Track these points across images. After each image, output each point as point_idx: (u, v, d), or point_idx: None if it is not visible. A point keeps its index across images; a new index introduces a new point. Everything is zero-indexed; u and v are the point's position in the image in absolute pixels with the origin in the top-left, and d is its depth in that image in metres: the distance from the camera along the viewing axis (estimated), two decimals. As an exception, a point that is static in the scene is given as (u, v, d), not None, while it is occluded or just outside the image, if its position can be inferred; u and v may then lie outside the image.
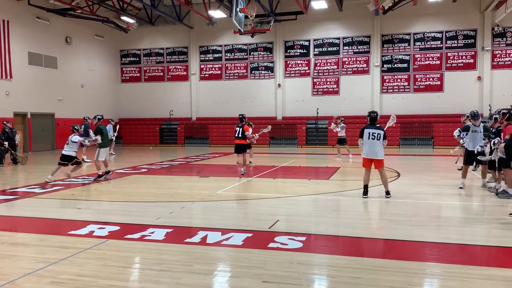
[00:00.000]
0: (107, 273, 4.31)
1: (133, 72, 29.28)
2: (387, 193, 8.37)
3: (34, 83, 22.04)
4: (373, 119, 8.31)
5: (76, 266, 4.53)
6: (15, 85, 20.84)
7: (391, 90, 24.97)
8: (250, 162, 14.29)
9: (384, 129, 8.33)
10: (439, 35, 24.13)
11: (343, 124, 17.74)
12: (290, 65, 26.38)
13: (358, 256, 4.85)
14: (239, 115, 12.12)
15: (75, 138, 11.22)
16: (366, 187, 8.39)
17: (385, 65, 24.99)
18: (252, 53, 27.02)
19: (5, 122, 14.88)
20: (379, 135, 8.12)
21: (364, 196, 8.31)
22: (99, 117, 11.61)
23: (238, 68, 27.27)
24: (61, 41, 24.08)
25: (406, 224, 6.40)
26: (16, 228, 6.49)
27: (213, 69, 27.76)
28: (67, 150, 11.19)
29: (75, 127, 11.56)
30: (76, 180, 11.22)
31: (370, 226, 6.57)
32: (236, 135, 11.66)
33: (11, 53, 20.60)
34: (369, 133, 8.14)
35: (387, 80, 25.00)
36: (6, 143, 14.80)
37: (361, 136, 8.28)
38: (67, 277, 4.20)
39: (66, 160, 11.15)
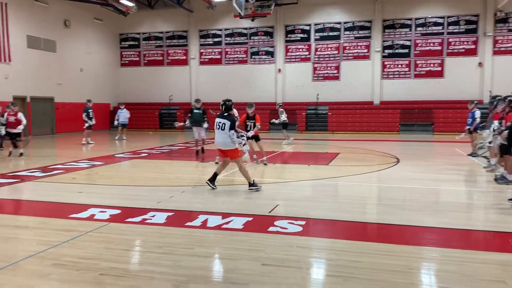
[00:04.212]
0: (109, 256, 4.36)
1: (132, 56, 29.10)
2: (250, 184, 7.64)
3: (33, 66, 21.92)
4: (228, 108, 7.70)
5: (78, 248, 4.58)
6: (14, 69, 20.74)
7: (392, 76, 24.87)
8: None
9: (236, 119, 7.96)
10: (440, 20, 23.93)
11: (281, 110, 17.48)
12: (290, 50, 26.22)
13: (357, 240, 4.90)
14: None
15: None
16: (215, 175, 7.83)
17: (386, 51, 24.84)
18: (252, 38, 26.83)
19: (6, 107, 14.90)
20: (223, 124, 7.56)
21: (207, 183, 7.76)
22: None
23: (238, 52, 27.10)
24: (60, 24, 23.88)
25: (405, 209, 6.44)
26: (18, 211, 6.55)
27: (213, 53, 27.58)
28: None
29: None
30: (76, 164, 11.25)
31: (369, 211, 6.62)
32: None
33: (10, 36, 20.44)
34: (216, 122, 7.68)
35: (387, 66, 24.88)
36: (3, 127, 14.78)
37: None
38: (69, 259, 4.24)
39: None
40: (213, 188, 7.71)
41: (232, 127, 7.57)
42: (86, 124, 17.08)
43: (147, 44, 28.76)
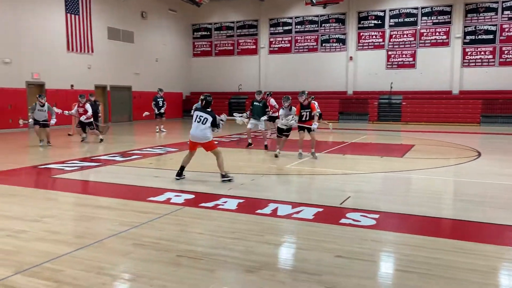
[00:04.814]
0: (184, 238, 4.53)
1: (204, 46, 29.79)
2: (223, 176, 7.54)
3: (112, 57, 23.22)
4: (208, 103, 7.68)
5: (156, 230, 4.80)
6: (96, 59, 22.11)
7: (473, 64, 23.27)
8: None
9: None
10: (532, 3, 21.92)
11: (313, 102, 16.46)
12: (363, 37, 25.41)
13: (434, 236, 4.65)
14: None
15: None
16: (182, 168, 7.81)
17: (467, 37, 23.27)
18: (323, 25, 26.34)
19: (89, 95, 16.09)
20: (206, 119, 7.53)
21: (177, 178, 7.66)
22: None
23: (308, 40, 26.77)
24: (137, 16, 25.02)
25: (485, 206, 6.04)
26: (100, 192, 6.98)
27: (283, 42, 27.48)
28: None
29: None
30: (152, 150, 11.79)
31: (446, 206, 6.28)
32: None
33: (92, 28, 21.79)
34: (197, 115, 7.60)
35: (469, 53, 23.31)
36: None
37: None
38: (148, 240, 4.46)
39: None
40: (181, 178, 7.68)
41: (213, 124, 7.56)
42: (146, 113, 17.37)
43: (218, 34, 29.28)
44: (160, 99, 17.72)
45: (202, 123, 7.57)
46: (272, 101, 14.18)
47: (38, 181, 8.00)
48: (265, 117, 12.12)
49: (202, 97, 7.79)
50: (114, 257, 4.00)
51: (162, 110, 17.62)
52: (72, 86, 20.77)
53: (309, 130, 10.24)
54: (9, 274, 3.58)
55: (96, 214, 5.52)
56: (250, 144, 12.33)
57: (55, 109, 13.61)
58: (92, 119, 13.71)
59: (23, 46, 18.51)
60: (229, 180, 7.46)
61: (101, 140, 13.66)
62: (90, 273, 3.61)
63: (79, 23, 21.05)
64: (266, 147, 12.04)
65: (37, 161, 9.88)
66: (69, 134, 16.01)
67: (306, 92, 10.43)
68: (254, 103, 12.21)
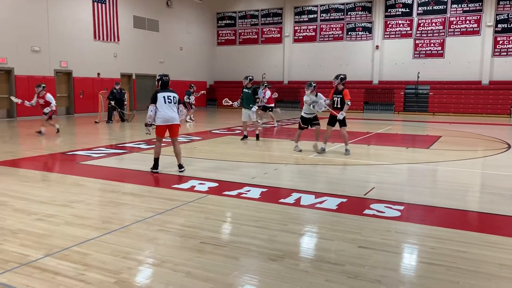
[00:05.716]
0: (208, 226, 4.58)
1: (229, 35, 29.75)
2: (180, 166, 7.38)
3: (138, 45, 23.46)
4: (166, 83, 7.36)
5: (180, 217, 4.87)
6: (121, 48, 22.39)
7: (505, 53, 22.53)
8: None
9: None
10: None
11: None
12: (390, 25, 24.90)
13: (461, 229, 4.57)
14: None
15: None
16: (157, 161, 7.45)
17: (499, 25, 22.50)
18: (349, 13, 25.92)
19: (115, 83, 16.47)
20: (175, 98, 7.31)
21: (153, 171, 7.36)
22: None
23: (334, 29, 26.40)
24: (162, 4, 25.15)
25: (516, 200, 5.88)
26: (126, 179, 7.10)
27: (308, 30, 27.19)
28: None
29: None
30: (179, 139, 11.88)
31: (473, 199, 6.14)
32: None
33: (118, 17, 22.03)
34: (164, 97, 7.18)
35: (500, 42, 22.56)
36: (112, 102, 16.26)
37: (154, 101, 7.15)
38: (173, 226, 4.53)
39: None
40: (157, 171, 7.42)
41: (180, 101, 7.44)
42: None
43: (242, 22, 29.18)
44: (191, 95, 17.88)
45: (174, 102, 7.35)
46: (268, 93, 14.41)
47: (66, 167, 8.20)
48: (255, 107, 11.51)
49: (158, 77, 7.44)
50: (139, 243, 4.08)
51: (192, 101, 17.69)
52: (98, 74, 21.11)
53: (341, 124, 9.35)
54: (40, 256, 3.71)
55: (122, 200, 5.63)
56: (245, 137, 11.63)
57: (14, 99, 12.79)
58: (54, 109, 12.59)
59: (51, 34, 18.88)
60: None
61: (58, 130, 12.72)
62: (117, 257, 3.69)
63: (106, 12, 21.31)
64: (257, 137, 11.62)
65: (65, 148, 10.12)
66: (95, 122, 16.33)
67: (343, 76, 9.63)
68: (243, 90, 11.56)
